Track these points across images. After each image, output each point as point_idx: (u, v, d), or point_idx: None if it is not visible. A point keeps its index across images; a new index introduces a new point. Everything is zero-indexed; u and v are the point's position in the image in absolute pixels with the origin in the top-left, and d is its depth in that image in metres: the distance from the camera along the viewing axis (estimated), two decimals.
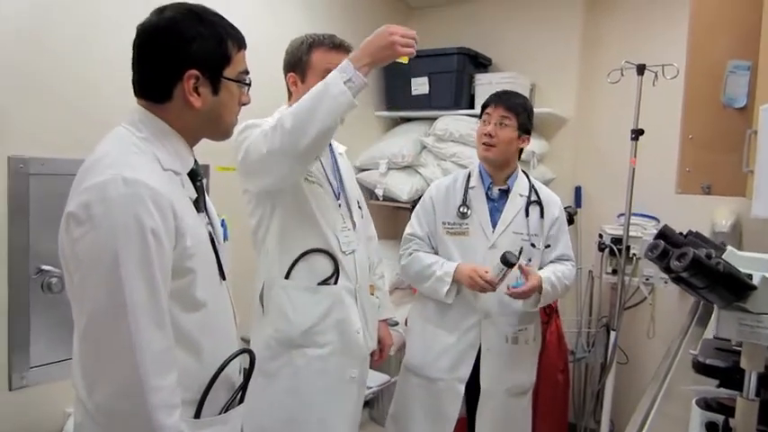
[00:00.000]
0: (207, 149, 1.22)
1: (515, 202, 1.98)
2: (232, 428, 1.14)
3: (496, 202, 1.99)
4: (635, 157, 2.55)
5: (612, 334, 2.62)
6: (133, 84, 1.07)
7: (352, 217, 1.75)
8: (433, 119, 3.14)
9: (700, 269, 0.89)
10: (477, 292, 1.88)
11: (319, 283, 1.65)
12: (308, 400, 1.65)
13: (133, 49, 1.06)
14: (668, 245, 0.96)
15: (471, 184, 2.00)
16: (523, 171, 2.06)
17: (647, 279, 2.61)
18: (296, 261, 1.63)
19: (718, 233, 2.45)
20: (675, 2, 2.70)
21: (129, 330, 0.91)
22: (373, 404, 2.94)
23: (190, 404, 1.05)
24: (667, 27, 2.78)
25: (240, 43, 1.10)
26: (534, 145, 2.78)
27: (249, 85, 1.14)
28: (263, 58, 1.78)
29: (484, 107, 1.99)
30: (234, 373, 1.16)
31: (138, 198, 0.93)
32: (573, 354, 2.96)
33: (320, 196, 1.65)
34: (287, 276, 1.64)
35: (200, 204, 1.11)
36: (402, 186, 3.06)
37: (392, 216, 3.44)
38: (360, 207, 1.84)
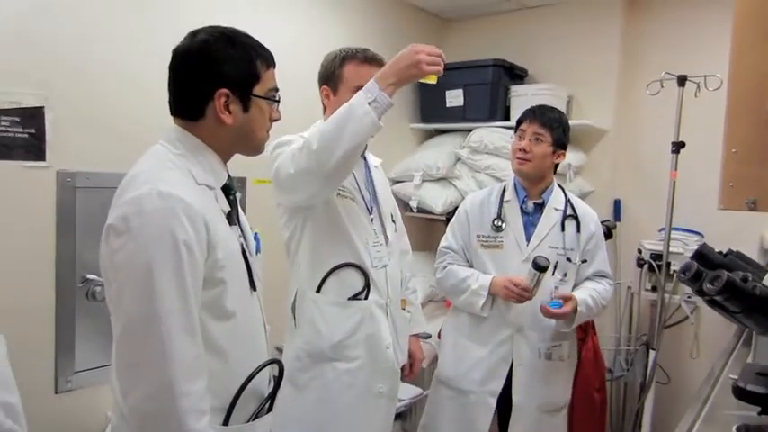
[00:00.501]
0: (244, 162, 1.26)
1: (550, 216, 1.95)
2: None
3: (531, 216, 1.97)
4: (675, 170, 2.48)
5: (652, 353, 2.53)
6: (169, 104, 1.12)
7: (384, 231, 1.76)
8: (468, 131, 3.12)
9: (734, 293, 0.86)
10: (511, 305, 1.87)
11: (350, 298, 1.66)
12: (336, 413, 1.65)
13: (169, 72, 1.10)
14: (703, 265, 0.93)
15: (506, 198, 1.99)
16: (560, 185, 2.03)
17: (689, 297, 2.51)
18: (327, 275, 1.65)
19: None
20: (718, 11, 2.62)
21: (161, 337, 0.94)
22: (405, 417, 2.92)
23: (219, 411, 1.07)
24: (710, 37, 2.70)
25: (269, 62, 1.14)
26: (571, 157, 2.72)
27: (278, 101, 1.17)
28: (305, 74, 1.80)
29: (519, 123, 1.98)
30: (263, 382, 1.18)
31: (171, 212, 0.97)
32: (611, 372, 2.87)
33: (352, 210, 1.66)
34: (318, 290, 1.66)
35: (232, 217, 1.15)
36: (436, 198, 3.05)
37: (426, 228, 3.43)
38: (393, 221, 1.84)
